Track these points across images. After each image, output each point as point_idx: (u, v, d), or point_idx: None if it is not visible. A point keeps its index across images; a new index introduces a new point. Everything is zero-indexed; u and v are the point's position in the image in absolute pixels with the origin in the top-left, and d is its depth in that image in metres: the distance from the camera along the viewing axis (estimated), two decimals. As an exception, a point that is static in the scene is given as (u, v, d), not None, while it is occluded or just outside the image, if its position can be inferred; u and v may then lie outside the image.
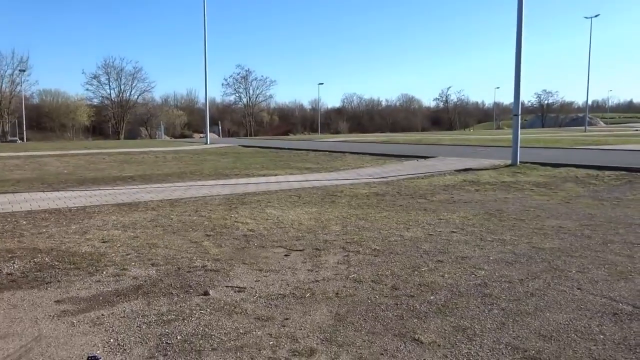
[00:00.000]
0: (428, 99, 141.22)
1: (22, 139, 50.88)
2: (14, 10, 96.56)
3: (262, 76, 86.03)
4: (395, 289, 3.76)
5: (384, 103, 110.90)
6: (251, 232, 5.80)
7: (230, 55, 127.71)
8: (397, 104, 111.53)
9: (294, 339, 2.91)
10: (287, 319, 3.21)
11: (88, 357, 1.53)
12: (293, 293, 3.71)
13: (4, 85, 61.87)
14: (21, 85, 60.70)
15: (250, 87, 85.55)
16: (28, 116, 55.72)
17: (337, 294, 3.68)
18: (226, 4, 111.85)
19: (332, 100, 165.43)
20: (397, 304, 3.45)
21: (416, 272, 4.18)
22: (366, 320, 3.17)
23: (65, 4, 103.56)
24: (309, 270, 4.29)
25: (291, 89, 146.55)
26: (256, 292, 3.76)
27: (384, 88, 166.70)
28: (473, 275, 4.10)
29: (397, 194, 8.85)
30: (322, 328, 3.05)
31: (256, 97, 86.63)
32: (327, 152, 21.05)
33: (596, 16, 55.81)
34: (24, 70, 60.28)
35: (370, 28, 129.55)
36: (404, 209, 7.36)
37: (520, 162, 13.35)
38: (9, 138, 51.07)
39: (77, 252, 4.98)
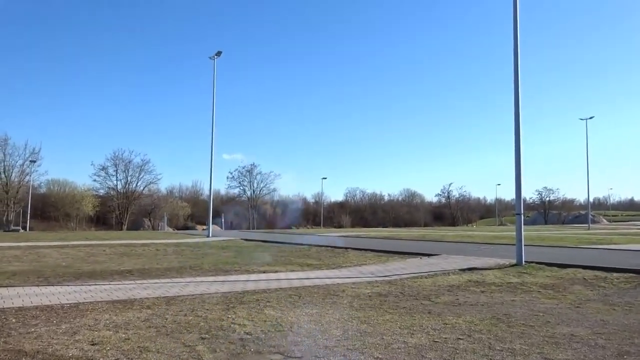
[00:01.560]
0: (430, 194, 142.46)
1: (24, 228, 50.94)
2: (29, 102, 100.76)
3: (266, 170, 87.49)
4: (399, 406, 3.49)
5: (386, 197, 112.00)
6: (248, 336, 5.54)
7: (236, 149, 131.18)
8: (400, 198, 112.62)
9: None
10: None
11: None
12: (289, 409, 3.45)
13: (13, 176, 63.05)
14: (30, 176, 61.93)
15: (255, 181, 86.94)
16: (33, 205, 56.24)
17: (336, 411, 3.41)
18: (234, 101, 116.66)
19: (335, 194, 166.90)
20: None
21: (421, 386, 3.92)
22: None
23: (79, 98, 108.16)
24: (307, 381, 4.03)
25: (295, 183, 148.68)
26: (249, 407, 3.50)
27: (386, 183, 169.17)
28: (482, 391, 3.83)
29: (401, 295, 8.59)
30: None
31: (260, 190, 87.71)
32: (329, 248, 20.84)
33: (591, 118, 57.93)
34: (34, 161, 61.76)
35: (373, 127, 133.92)
36: (407, 311, 7.10)
37: (525, 261, 13.12)
38: (12, 227, 51.08)
39: (64, 356, 4.73)
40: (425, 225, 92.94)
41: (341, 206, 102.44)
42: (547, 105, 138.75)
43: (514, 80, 14.19)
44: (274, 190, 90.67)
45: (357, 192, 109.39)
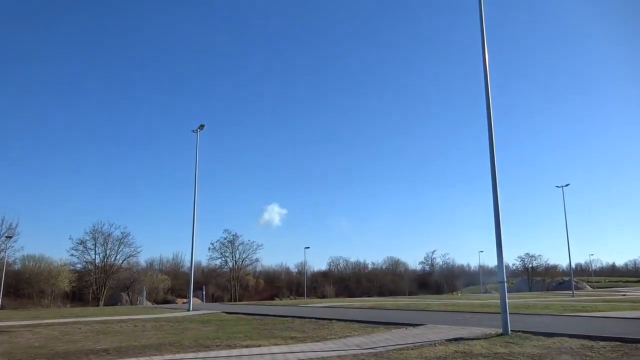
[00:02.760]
0: (414, 262, 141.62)
1: (-5, 306, 48.89)
2: (6, 175, 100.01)
3: (248, 240, 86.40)
4: None
5: (370, 266, 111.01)
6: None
7: (218, 221, 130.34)
8: (384, 267, 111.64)
9: None
10: None
11: None
12: None
13: (-14, 253, 61.03)
14: (5, 252, 60.02)
15: (237, 251, 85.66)
16: (6, 283, 54.21)
17: None
18: (213, 173, 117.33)
19: (318, 263, 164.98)
20: None
21: None
22: None
23: (57, 171, 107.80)
24: None
25: (278, 253, 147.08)
26: None
27: (369, 251, 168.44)
28: None
29: (387, 368, 8.39)
30: None
31: (242, 261, 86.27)
32: (313, 320, 20.39)
33: (566, 185, 59.27)
34: (10, 237, 60.08)
35: (356, 195, 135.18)
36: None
37: (511, 330, 12.99)
38: (-18, 306, 48.99)
39: None
40: (410, 293, 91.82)
41: (325, 275, 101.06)
42: (525, 172, 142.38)
43: (489, 151, 14.62)
44: (257, 260, 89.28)
45: (341, 261, 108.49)
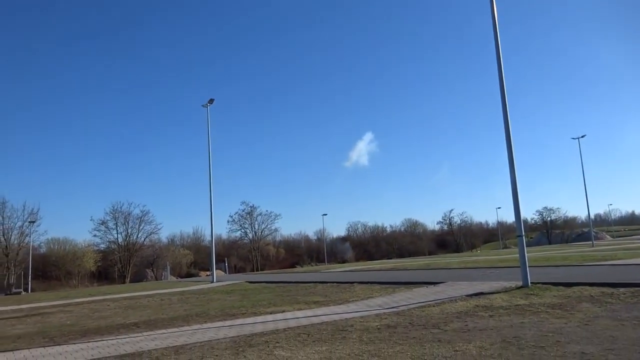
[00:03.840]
0: (432, 222, 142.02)
1: (26, 290, 50.45)
2: (26, 164, 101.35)
3: (266, 211, 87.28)
4: None
5: (388, 229, 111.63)
6: (259, 378, 5.53)
7: (235, 193, 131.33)
8: (402, 229, 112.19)
9: None
10: None
11: None
12: None
13: (12, 238, 62.70)
14: (30, 237, 61.61)
15: (256, 222, 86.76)
16: (34, 266, 55.81)
17: None
18: (230, 145, 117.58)
19: (337, 229, 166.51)
20: None
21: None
22: None
23: (75, 154, 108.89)
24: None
25: (296, 221, 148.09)
26: None
27: (387, 214, 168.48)
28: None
29: (410, 325, 8.56)
30: None
31: (261, 232, 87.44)
32: (334, 284, 20.71)
33: (582, 137, 58.47)
34: (33, 222, 61.53)
35: (373, 160, 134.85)
36: (417, 341, 7.08)
37: (531, 282, 13.08)
38: (14, 290, 50.55)
39: (76, 413, 4.71)
40: (430, 253, 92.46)
41: (344, 241, 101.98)
42: (542, 125, 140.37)
43: (502, 107, 14.47)
44: (276, 230, 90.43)
45: (359, 225, 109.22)
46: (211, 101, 36.05)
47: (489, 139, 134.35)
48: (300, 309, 12.32)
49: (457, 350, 6.23)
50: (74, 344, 9.40)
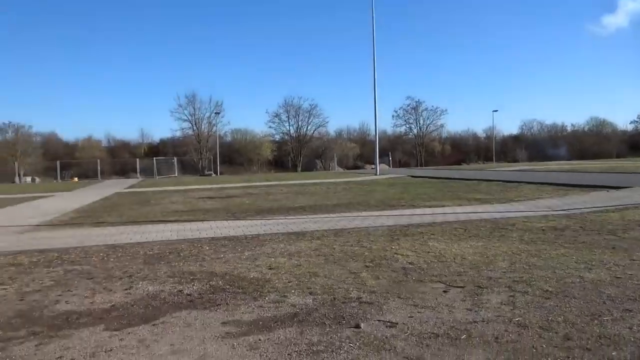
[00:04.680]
0: (624, 121, 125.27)
1: (216, 173, 57.47)
2: (211, 60, 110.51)
3: (432, 106, 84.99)
4: (568, 339, 3.30)
5: (569, 128, 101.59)
6: (410, 265, 5.65)
7: (400, 88, 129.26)
8: (586, 128, 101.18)
9: (443, 384, 2.70)
10: (437, 361, 3.01)
11: None
12: (447, 333, 3.48)
13: (202, 127, 71.30)
14: (216, 126, 69.29)
15: (421, 118, 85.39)
16: (221, 153, 62.87)
17: (496, 338, 3.35)
18: (395, 38, 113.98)
19: (508, 127, 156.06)
20: (568, 357, 3.02)
21: (596, 321, 3.63)
22: (528, 372, 2.82)
23: (253, 50, 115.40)
24: (467, 309, 4.00)
25: (464, 118, 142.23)
26: (408, 328, 3.61)
27: (569, 112, 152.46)
28: (671, 330, 3.42)
29: (580, 229, 7.90)
30: (475, 375, 2.79)
31: (427, 127, 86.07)
32: (500, 182, 19.85)
33: None
34: (218, 113, 68.95)
35: (550, 49, 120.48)
36: (586, 246, 6.52)
37: None
38: (206, 172, 58.18)
39: (246, 277, 5.35)
40: (618, 156, 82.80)
41: (516, 140, 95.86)
42: None
43: None
44: (442, 126, 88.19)
45: (534, 123, 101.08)
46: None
47: None
48: (460, 205, 12.12)
49: (634, 260, 5.61)
50: (250, 219, 10.56)
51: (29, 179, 54.61)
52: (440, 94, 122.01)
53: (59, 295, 4.91)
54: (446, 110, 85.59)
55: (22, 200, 19.51)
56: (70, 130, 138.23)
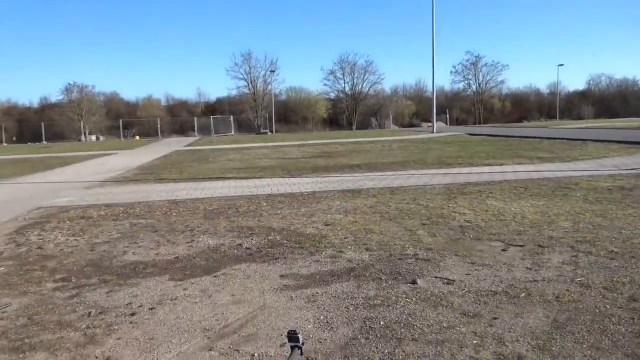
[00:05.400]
0: None
1: (271, 130, 58.07)
2: (266, 18, 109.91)
3: (492, 61, 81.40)
4: (634, 300, 3.19)
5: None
6: (468, 223, 5.57)
7: (459, 42, 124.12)
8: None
9: (501, 340, 2.69)
10: (495, 318, 2.99)
11: (288, 331, 1.64)
12: (506, 291, 3.43)
13: (258, 85, 71.75)
14: (271, 85, 69.53)
15: (480, 74, 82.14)
16: (276, 111, 63.23)
17: (557, 297, 3.28)
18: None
19: (574, 82, 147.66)
20: (633, 318, 2.92)
21: (665, 283, 3.48)
22: (590, 332, 2.75)
23: (308, 9, 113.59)
24: (527, 268, 3.92)
25: (525, 73, 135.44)
26: (465, 285, 3.59)
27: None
28: None
29: (650, 189, 7.50)
30: (534, 334, 2.75)
31: (486, 84, 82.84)
32: (564, 140, 19.00)
33: None
34: (273, 71, 68.92)
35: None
36: (657, 206, 6.19)
37: None
38: (261, 130, 58.95)
39: (303, 233, 5.45)
40: (697, 113, 77.00)
41: (582, 96, 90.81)
42: None
43: None
44: (502, 82, 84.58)
45: (603, 78, 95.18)
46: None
47: None
48: (521, 164, 11.73)
49: None
50: (306, 177, 10.67)
51: (93, 137, 57.32)
52: (501, 48, 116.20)
53: (126, 247, 5.19)
54: (507, 65, 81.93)
55: (88, 157, 20.54)
56: (131, 90, 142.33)
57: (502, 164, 11.72)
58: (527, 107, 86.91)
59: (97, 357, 2.74)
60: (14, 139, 55.39)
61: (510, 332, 2.79)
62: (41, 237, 5.79)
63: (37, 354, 2.81)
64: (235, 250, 4.86)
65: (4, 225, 6.68)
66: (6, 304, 3.58)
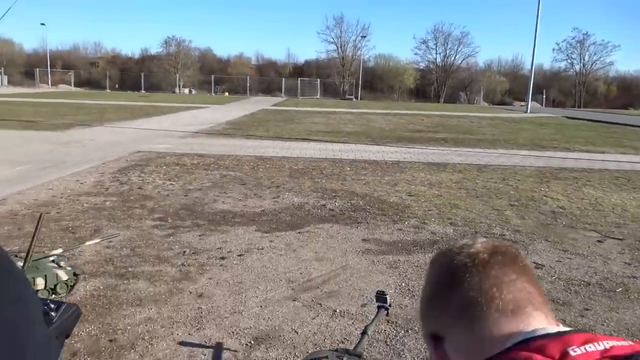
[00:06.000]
0: None
1: (356, 97, 57.75)
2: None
3: (602, 40, 75.12)
4: None
5: None
6: (561, 210, 5.30)
7: (565, 17, 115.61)
8: None
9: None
10: (587, 309, 2.86)
11: (377, 291, 1.64)
12: (600, 284, 3.26)
13: (347, 50, 71.18)
14: (361, 50, 68.74)
15: (586, 53, 76.28)
16: (363, 78, 62.62)
17: (659, 297, 3.07)
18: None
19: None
20: None
21: None
22: (695, 337, 2.56)
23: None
24: (626, 263, 3.69)
25: (638, 56, 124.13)
26: (555, 272, 3.44)
27: None
28: None
29: None
30: (630, 330, 2.61)
31: (592, 65, 76.92)
32: (676, 133, 17.39)
33: None
34: (364, 37, 68.05)
35: None
36: None
37: None
38: (347, 96, 58.76)
39: (386, 201, 5.44)
40: None
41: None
42: None
43: None
44: (610, 64, 78.10)
45: None
46: None
47: None
48: (624, 153, 10.91)
49: None
50: (390, 146, 10.57)
51: (186, 90, 59.78)
52: (613, 26, 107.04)
53: (217, 196, 5.43)
54: (619, 45, 75.25)
55: (181, 109, 21.50)
56: (224, 46, 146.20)
57: (603, 152, 10.96)
58: (636, 93, 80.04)
59: (190, 292, 2.93)
60: (117, 86, 59.08)
61: (603, 325, 2.65)
62: (141, 179, 6.20)
63: (139, 282, 3.06)
64: (319, 210, 4.95)
65: (109, 164, 7.20)
66: (114, 234, 3.89)
